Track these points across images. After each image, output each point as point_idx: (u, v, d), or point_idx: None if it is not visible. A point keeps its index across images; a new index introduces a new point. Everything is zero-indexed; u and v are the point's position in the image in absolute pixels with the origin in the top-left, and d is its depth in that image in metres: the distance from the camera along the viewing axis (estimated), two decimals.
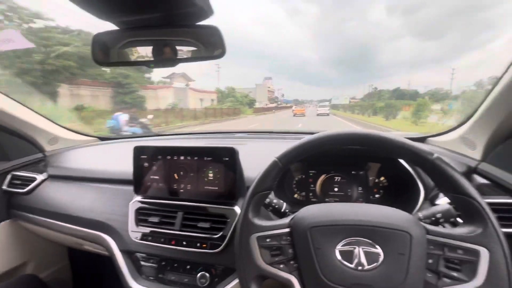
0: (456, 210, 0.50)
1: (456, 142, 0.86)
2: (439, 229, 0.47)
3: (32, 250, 1.26)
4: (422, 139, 1.06)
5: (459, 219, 0.59)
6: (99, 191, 1.00)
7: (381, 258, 0.46)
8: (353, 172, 0.93)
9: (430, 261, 0.46)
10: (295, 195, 0.96)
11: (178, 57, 0.70)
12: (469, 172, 0.76)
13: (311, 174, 0.96)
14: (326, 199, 0.94)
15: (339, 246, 0.48)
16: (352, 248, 0.47)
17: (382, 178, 0.91)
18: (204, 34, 0.66)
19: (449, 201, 0.65)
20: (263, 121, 20.00)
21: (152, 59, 0.69)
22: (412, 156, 0.50)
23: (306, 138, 0.56)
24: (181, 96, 23.67)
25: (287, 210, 0.68)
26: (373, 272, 0.45)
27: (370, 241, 0.47)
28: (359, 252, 0.47)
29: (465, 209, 0.47)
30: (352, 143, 0.53)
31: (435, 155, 0.48)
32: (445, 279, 0.44)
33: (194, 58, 0.69)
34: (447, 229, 0.47)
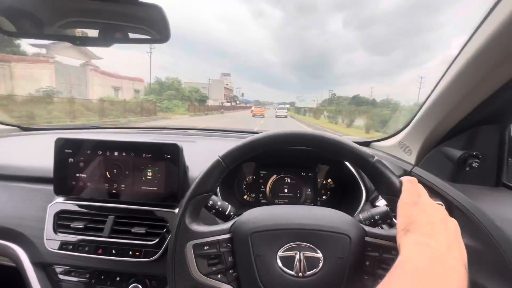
0: (392, 211, 0.52)
1: (395, 147, 0.93)
2: (376, 230, 0.48)
3: None
4: (367, 143, 1.12)
5: (395, 220, 0.62)
6: (10, 191, 0.82)
7: (321, 263, 0.44)
8: (302, 174, 0.93)
9: (367, 263, 0.46)
10: (245, 196, 0.93)
11: (115, 37, 0.61)
12: (405, 175, 0.81)
13: (262, 174, 0.94)
14: (276, 200, 0.92)
15: (280, 252, 0.45)
16: (294, 254, 0.45)
17: (329, 180, 0.93)
18: (146, 13, 0.58)
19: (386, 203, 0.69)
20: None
21: (79, 35, 0.58)
22: (355, 158, 0.50)
23: (251, 137, 0.52)
24: (73, 78, 15.91)
25: (231, 213, 0.63)
26: (313, 278, 0.44)
27: (312, 246, 0.45)
28: (300, 258, 0.44)
29: None
30: (297, 143, 0.52)
31: (375, 158, 0.49)
32: (380, 281, 0.44)
33: (132, 39, 0.61)
34: (384, 230, 0.48)
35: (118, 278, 0.71)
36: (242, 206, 0.70)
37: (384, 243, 0.46)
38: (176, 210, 0.68)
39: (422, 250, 0.35)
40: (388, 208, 0.57)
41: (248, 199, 0.93)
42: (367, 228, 0.48)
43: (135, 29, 0.61)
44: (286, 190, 0.92)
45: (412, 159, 0.85)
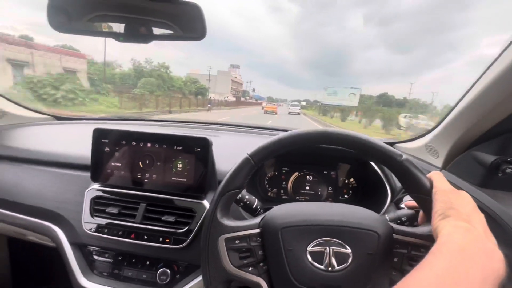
0: (422, 209, 0.52)
1: (420, 150, 0.91)
2: (404, 228, 0.49)
3: None
4: (390, 145, 1.10)
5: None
6: (50, 176, 0.89)
7: (350, 258, 0.46)
8: (324, 172, 0.94)
9: (395, 259, 0.47)
10: (268, 193, 0.95)
11: (154, 34, 0.64)
12: None
13: (283, 171, 0.96)
14: (297, 197, 0.94)
15: (310, 247, 0.47)
16: (323, 249, 0.47)
17: (351, 179, 0.93)
18: (183, 11, 0.61)
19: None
20: None
21: (123, 31, 0.62)
22: (382, 157, 0.50)
23: (280, 135, 0.54)
24: None
25: (258, 207, 0.66)
26: (342, 272, 0.45)
27: (341, 242, 0.47)
28: (330, 253, 0.46)
29: (429, 209, 0.49)
30: (325, 141, 0.53)
31: (404, 156, 0.49)
32: None
33: (170, 36, 0.64)
34: (412, 228, 0.49)
35: (148, 262, 0.75)
36: (264, 201, 0.72)
37: (412, 240, 0.47)
38: (204, 202, 0.72)
39: (463, 233, 0.37)
40: (414, 211, 0.57)
41: (270, 194, 0.95)
42: (394, 226, 0.49)
43: (173, 26, 0.64)
44: (307, 188, 0.93)
45: (438, 162, 0.83)
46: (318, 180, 0.94)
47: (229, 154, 0.85)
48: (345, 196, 0.93)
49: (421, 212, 0.54)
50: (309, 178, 0.94)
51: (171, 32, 0.63)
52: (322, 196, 0.93)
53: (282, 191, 0.95)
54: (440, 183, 0.46)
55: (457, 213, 0.40)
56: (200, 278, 0.71)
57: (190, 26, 0.63)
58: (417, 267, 0.34)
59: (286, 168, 0.96)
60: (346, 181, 0.94)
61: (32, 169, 0.93)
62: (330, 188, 0.93)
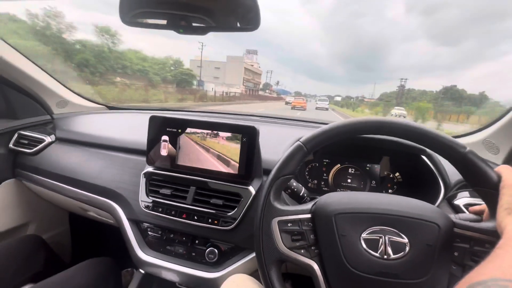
0: (488, 204, 0.50)
1: (477, 145, 0.85)
2: (466, 222, 0.47)
3: (34, 212, 1.25)
4: None
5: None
6: (109, 159, 0.99)
7: (408, 248, 0.45)
8: (368, 165, 0.92)
9: (456, 253, 0.45)
10: (308, 184, 0.96)
11: (211, 26, 0.67)
12: None
13: (325, 163, 0.95)
14: (338, 190, 0.93)
15: (364, 235, 0.47)
16: (378, 237, 0.47)
17: (397, 174, 0.90)
18: (239, 2, 0.63)
19: (468, 202, 0.65)
20: None
21: (182, 24, 0.66)
22: (443, 148, 0.49)
23: (333, 123, 0.54)
24: None
25: (305, 195, 0.67)
26: (399, 261, 0.45)
27: (396, 231, 0.47)
28: (385, 241, 0.46)
29: (493, 203, 0.46)
30: (382, 131, 0.52)
31: (468, 148, 0.47)
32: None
33: (226, 28, 0.66)
34: (474, 223, 0.47)
35: (197, 241, 0.81)
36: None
37: (475, 235, 0.45)
38: (250, 188, 0.75)
39: None
40: (479, 216, 0.54)
41: (310, 185, 0.95)
42: (455, 220, 0.47)
43: (228, 17, 0.66)
44: (349, 180, 0.92)
45: (498, 159, 0.78)
46: (360, 173, 0.92)
47: (270, 144, 0.88)
48: (389, 190, 0.90)
49: (486, 207, 0.52)
50: (351, 170, 0.93)
51: (228, 23, 0.66)
52: (364, 189, 0.91)
53: (322, 183, 0.95)
54: (510, 177, 0.44)
55: None
56: (245, 259, 0.75)
57: (245, 17, 0.65)
58: (486, 260, 0.34)
59: (327, 160, 0.95)
60: (391, 175, 0.91)
61: (93, 152, 1.04)
62: (373, 182, 0.91)
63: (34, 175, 1.08)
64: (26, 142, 1.11)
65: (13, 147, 1.11)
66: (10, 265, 0.90)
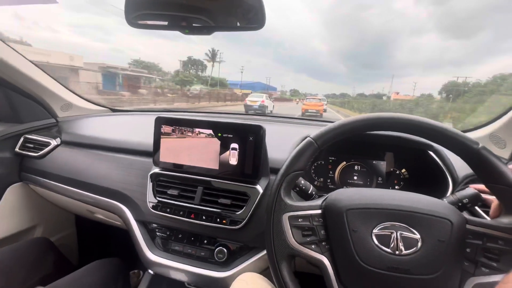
0: (500, 200, 0.49)
1: (483, 140, 0.85)
2: (478, 219, 0.47)
3: (41, 214, 1.26)
4: None
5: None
6: (115, 161, 0.99)
7: (420, 243, 0.45)
8: (374, 162, 0.92)
9: (468, 250, 0.45)
10: (315, 182, 0.96)
11: (216, 25, 0.67)
12: None
13: (330, 160, 0.95)
14: (344, 187, 0.93)
15: (375, 230, 0.47)
16: (389, 233, 0.47)
17: (403, 170, 0.90)
18: (244, 2, 0.63)
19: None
20: None
21: (186, 24, 0.66)
22: (455, 144, 0.49)
23: (345, 119, 0.54)
24: None
25: (313, 193, 0.67)
26: (411, 257, 0.45)
27: (408, 226, 0.47)
28: (397, 237, 0.46)
29: (509, 200, 0.46)
30: (393, 127, 0.52)
31: (480, 144, 0.47)
32: (483, 269, 0.44)
33: (231, 27, 0.66)
34: (487, 220, 0.47)
35: (205, 241, 0.81)
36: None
37: (488, 231, 0.45)
38: (257, 187, 0.75)
39: None
40: (478, 192, 0.55)
41: (316, 183, 0.95)
42: (467, 216, 0.48)
43: (233, 17, 0.66)
44: (355, 178, 0.92)
45: (506, 153, 0.77)
46: (366, 170, 0.92)
47: (278, 142, 0.88)
48: (396, 186, 0.90)
49: (494, 203, 0.52)
50: (357, 167, 0.93)
51: (233, 23, 0.66)
52: (371, 186, 0.91)
53: (329, 181, 0.95)
54: None
55: None
56: (254, 258, 0.76)
57: (250, 17, 0.65)
58: None
59: (332, 158, 0.95)
60: (397, 171, 0.91)
61: (99, 154, 1.04)
62: (380, 179, 0.91)
63: (40, 178, 1.09)
64: (32, 145, 1.12)
65: (19, 151, 1.11)
66: (20, 267, 0.91)
